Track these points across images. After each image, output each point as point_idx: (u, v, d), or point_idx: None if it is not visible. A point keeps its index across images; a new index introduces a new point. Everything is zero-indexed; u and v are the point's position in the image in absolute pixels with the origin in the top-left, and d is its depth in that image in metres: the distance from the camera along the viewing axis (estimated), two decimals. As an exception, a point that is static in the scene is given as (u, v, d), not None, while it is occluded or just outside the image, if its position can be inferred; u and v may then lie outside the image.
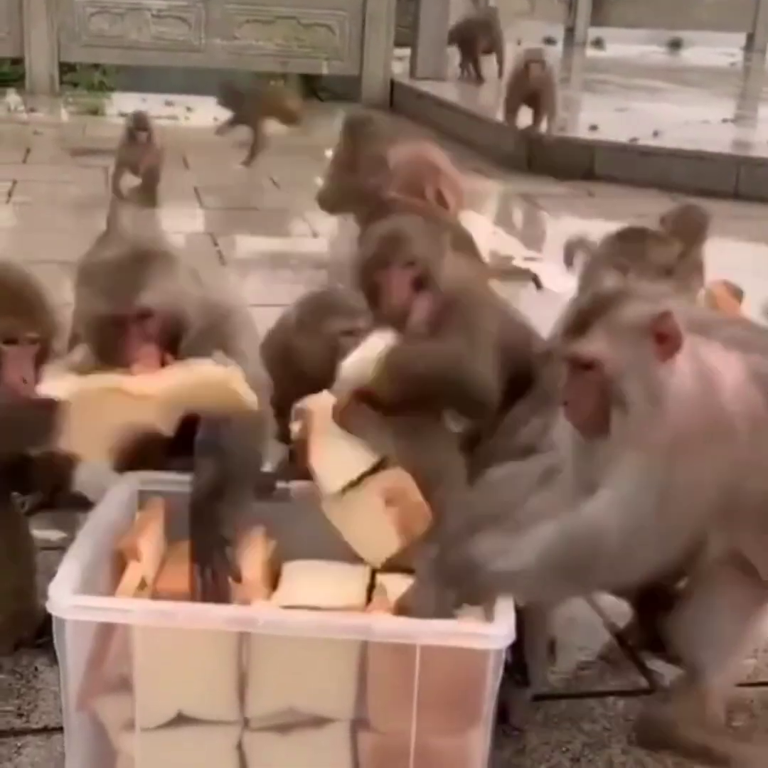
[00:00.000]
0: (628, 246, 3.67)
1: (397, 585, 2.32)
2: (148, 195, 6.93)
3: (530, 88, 8.49)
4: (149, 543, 2.42)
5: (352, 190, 5.52)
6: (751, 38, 17.46)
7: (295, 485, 2.61)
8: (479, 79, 11.56)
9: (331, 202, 5.93)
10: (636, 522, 2.09)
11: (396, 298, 2.73)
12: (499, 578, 2.14)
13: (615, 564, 2.12)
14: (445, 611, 2.17)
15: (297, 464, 2.61)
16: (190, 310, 2.57)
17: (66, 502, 3.25)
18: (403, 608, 2.20)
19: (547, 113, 8.71)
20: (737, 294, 3.35)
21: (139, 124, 7.12)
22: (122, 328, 2.48)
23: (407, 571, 2.34)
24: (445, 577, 2.18)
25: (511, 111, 8.82)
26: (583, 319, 2.19)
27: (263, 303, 4.93)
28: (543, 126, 8.70)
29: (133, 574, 2.31)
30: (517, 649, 2.17)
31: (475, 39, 11.54)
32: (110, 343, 2.50)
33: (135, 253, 2.54)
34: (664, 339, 2.12)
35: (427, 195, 5.12)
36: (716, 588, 2.36)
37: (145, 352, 2.47)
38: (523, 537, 2.15)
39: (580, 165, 8.66)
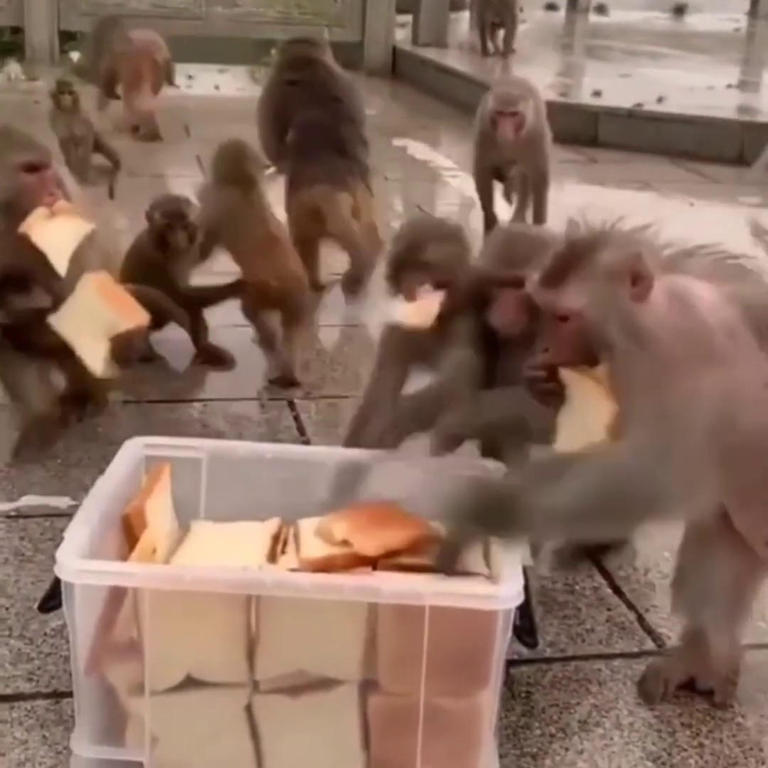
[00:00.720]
0: None
1: (311, 539, 2.34)
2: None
3: (499, 157, 5.50)
4: (157, 508, 2.42)
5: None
6: (755, 4, 17.31)
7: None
8: (483, 52, 11.36)
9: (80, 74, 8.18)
10: (658, 461, 2.05)
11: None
12: (539, 514, 2.08)
13: (651, 504, 2.09)
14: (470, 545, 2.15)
15: None
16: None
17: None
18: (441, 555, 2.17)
19: (517, 201, 5.77)
20: None
21: (61, 88, 6.37)
22: (37, 173, 3.13)
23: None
24: (480, 507, 2.12)
25: (481, 189, 5.77)
26: (557, 267, 2.18)
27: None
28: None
29: (145, 540, 2.32)
30: (525, 610, 2.17)
31: (485, 11, 11.25)
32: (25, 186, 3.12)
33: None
34: (638, 280, 2.11)
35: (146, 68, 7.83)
36: (716, 547, 2.37)
37: (56, 192, 3.14)
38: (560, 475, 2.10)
39: (584, 131, 8.60)
